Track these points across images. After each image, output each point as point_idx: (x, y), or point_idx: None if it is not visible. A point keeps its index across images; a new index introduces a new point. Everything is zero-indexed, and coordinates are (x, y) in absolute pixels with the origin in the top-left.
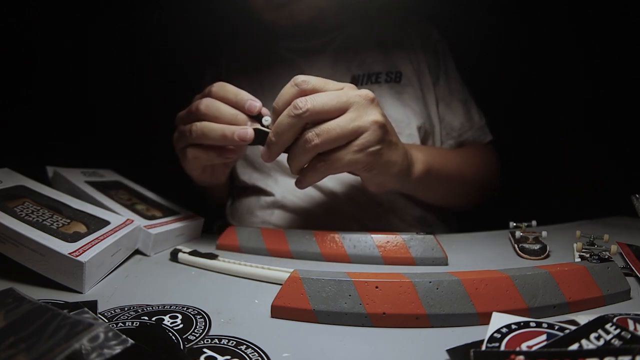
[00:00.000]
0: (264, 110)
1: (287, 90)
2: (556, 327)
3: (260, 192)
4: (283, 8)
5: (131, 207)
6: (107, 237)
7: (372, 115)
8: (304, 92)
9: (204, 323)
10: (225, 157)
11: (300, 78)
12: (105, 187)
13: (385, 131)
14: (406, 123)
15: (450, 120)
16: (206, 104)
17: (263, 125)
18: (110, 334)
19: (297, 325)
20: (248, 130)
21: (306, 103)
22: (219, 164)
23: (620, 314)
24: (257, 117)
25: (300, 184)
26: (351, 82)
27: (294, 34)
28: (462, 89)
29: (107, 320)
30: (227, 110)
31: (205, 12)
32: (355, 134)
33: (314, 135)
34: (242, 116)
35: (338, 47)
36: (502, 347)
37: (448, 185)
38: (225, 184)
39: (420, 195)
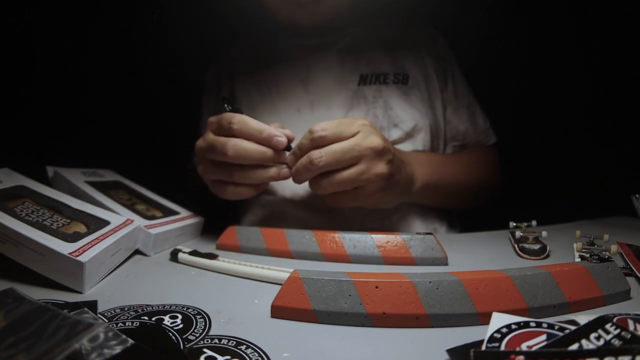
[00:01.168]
0: (289, 134)
1: (306, 140)
2: (556, 327)
3: None
4: (305, 7)
5: (131, 207)
6: (107, 237)
7: (379, 169)
8: (321, 144)
9: (204, 323)
10: (258, 190)
11: (316, 129)
12: (105, 187)
13: (387, 180)
14: (412, 124)
15: (456, 124)
16: (234, 149)
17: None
18: (110, 334)
19: (297, 325)
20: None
21: (321, 159)
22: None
23: (620, 314)
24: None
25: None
26: (360, 81)
27: (301, 32)
28: (468, 94)
29: (107, 320)
30: (255, 150)
31: (205, 12)
32: (362, 184)
33: (327, 184)
34: (269, 153)
35: (345, 45)
36: (502, 347)
37: (446, 193)
38: None
39: (419, 203)
